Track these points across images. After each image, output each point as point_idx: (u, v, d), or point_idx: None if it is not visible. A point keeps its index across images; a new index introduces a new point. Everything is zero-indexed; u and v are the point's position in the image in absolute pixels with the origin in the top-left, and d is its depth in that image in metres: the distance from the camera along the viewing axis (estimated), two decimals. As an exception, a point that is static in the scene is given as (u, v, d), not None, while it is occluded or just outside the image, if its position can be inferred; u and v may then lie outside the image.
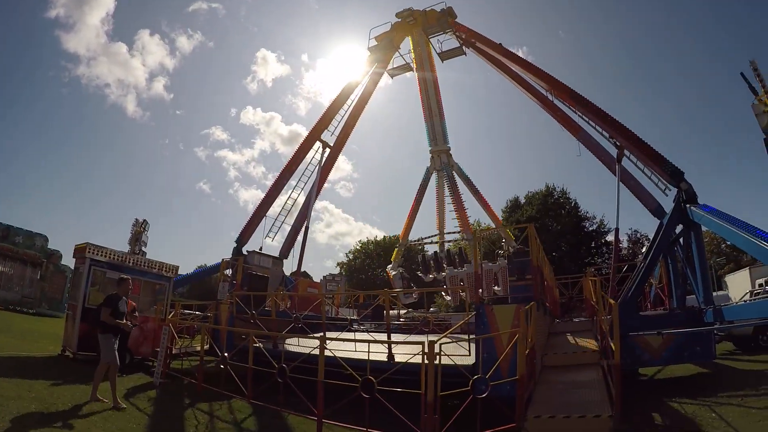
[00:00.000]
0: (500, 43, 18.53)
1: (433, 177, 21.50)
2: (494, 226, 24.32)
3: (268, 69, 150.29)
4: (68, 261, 24.36)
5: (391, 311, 10.61)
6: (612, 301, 7.97)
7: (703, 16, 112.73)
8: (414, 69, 20.81)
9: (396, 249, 23.11)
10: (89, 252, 11.71)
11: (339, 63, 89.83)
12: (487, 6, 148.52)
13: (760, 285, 18.07)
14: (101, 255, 11.95)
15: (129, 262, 12.62)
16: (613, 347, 7.08)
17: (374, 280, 61.99)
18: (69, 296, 16.65)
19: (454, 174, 21.05)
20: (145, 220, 14.65)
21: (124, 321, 7.65)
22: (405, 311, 22.59)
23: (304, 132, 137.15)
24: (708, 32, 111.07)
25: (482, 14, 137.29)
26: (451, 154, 21.11)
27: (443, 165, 20.85)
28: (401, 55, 20.97)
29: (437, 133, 20.65)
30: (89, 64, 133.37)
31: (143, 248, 14.41)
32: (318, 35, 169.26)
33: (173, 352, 11.08)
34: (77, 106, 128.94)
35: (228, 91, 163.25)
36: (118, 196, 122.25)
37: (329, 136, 20.26)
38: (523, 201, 43.35)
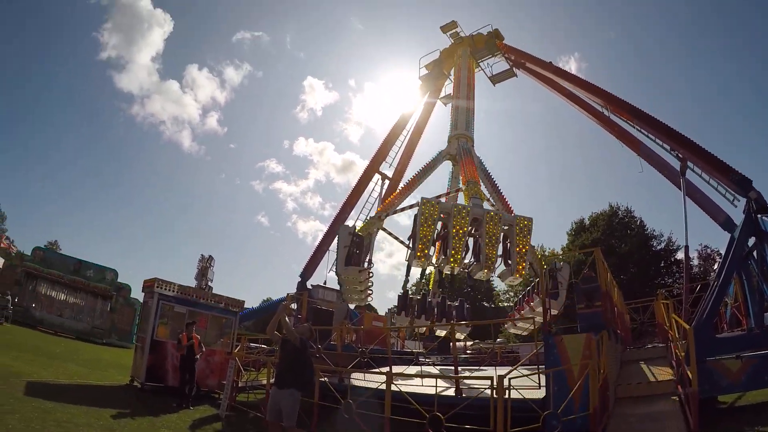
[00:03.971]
0: (550, 62, 18.12)
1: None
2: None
3: (316, 97, 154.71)
4: (136, 294, 25.69)
5: (457, 343, 10.10)
6: (686, 326, 7.35)
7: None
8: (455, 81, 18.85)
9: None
10: (158, 287, 12.17)
11: (388, 85, 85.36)
12: (532, 18, 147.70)
13: None
14: (169, 289, 12.40)
15: (196, 297, 12.99)
16: (690, 375, 6.70)
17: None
18: (138, 328, 17.37)
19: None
20: (210, 256, 15.15)
21: None
22: (472, 343, 21.65)
23: (357, 159, 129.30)
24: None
25: (528, 28, 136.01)
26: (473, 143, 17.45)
27: (461, 148, 16.62)
28: (452, 82, 20.03)
29: (460, 121, 17.47)
30: (143, 103, 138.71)
31: (209, 283, 14.80)
32: (364, 58, 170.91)
33: (239, 385, 11.09)
34: (133, 143, 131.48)
35: (279, 122, 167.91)
36: (179, 232, 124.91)
37: (387, 168, 20.01)
38: (587, 223, 41.48)
